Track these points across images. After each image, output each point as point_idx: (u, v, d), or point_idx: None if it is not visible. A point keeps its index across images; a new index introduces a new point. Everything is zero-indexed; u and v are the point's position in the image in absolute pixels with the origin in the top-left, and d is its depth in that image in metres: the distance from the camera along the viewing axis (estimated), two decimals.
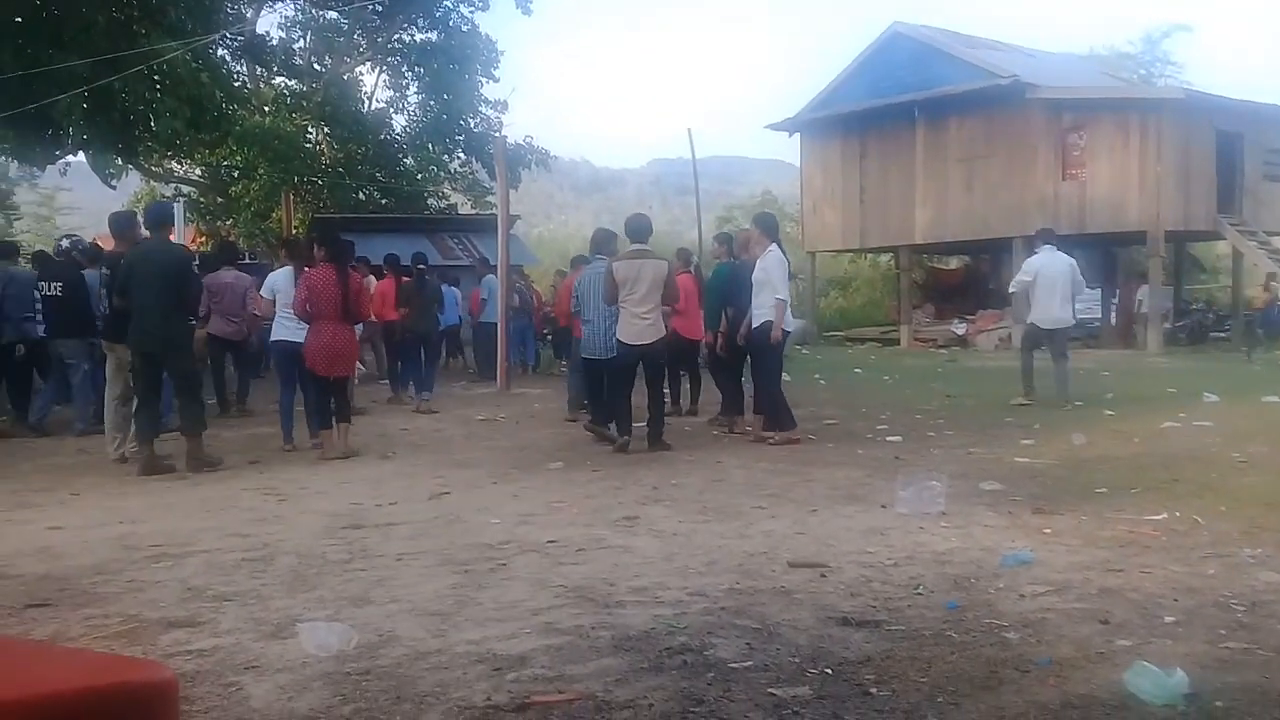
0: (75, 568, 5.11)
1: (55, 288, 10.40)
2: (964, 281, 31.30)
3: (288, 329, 9.20)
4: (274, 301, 9.46)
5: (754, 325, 9.10)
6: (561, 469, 7.93)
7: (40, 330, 10.53)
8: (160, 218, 8.88)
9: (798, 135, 29.44)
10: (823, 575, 4.64)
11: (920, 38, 26.52)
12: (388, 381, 13.77)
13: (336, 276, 8.53)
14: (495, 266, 15.87)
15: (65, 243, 11.59)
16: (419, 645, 3.75)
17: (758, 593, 4.37)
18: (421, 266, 13.13)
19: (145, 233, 8.53)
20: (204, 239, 25.49)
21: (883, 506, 6.10)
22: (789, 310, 9.23)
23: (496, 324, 15.10)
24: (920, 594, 4.32)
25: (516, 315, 15.93)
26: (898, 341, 26.62)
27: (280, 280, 9.46)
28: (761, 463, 7.98)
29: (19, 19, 12.31)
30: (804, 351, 21.71)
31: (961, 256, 32.63)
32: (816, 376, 15.75)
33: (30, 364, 10.98)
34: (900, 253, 28.50)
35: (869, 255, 34.30)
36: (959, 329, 26.12)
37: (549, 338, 18.93)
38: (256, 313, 10.98)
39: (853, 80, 27.57)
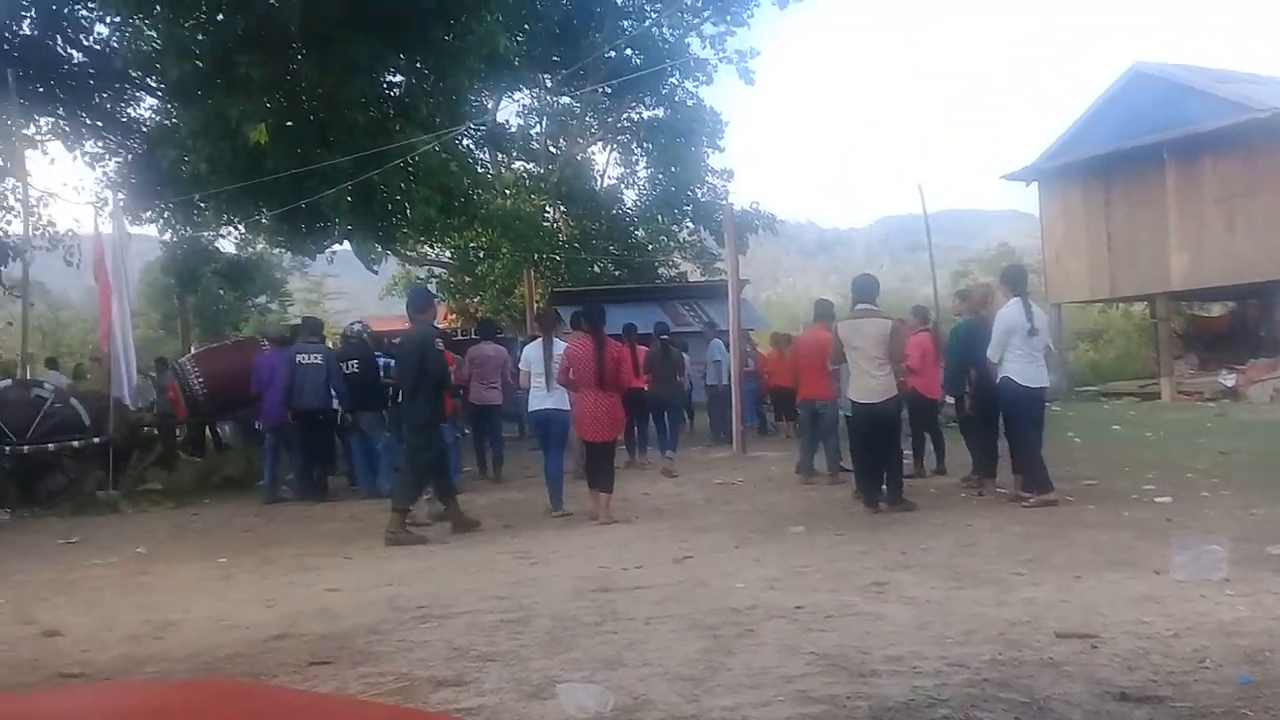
0: (351, 627, 5.46)
1: (352, 365, 11.33)
2: (1230, 329, 28.93)
3: (540, 398, 9.61)
4: (530, 373, 9.87)
5: (996, 381, 8.78)
6: (803, 533, 7.84)
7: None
8: (421, 303, 9.42)
9: (1035, 184, 28.33)
10: (1094, 646, 4.35)
11: (1165, 76, 25.05)
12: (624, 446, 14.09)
13: (594, 346, 8.90)
14: (722, 331, 16.02)
15: (356, 327, 12.67)
16: (674, 710, 3.77)
17: (1023, 664, 4.15)
18: (665, 336, 13.61)
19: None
20: (454, 316, 27.08)
21: (1156, 572, 5.68)
22: (1040, 366, 8.83)
23: (726, 387, 15.20)
24: (1207, 668, 3.98)
25: (747, 378, 15.99)
26: (1158, 395, 24.83)
27: (533, 352, 9.88)
28: (1015, 526, 7.61)
29: (290, 123, 13.57)
30: (1055, 408, 20.61)
31: (1225, 302, 30.23)
32: (1070, 434, 14.90)
33: (326, 435, 11.92)
34: (1156, 301, 26.71)
35: (1120, 305, 32.36)
36: (1228, 380, 24.10)
37: (768, 401, 18.81)
38: (513, 382, 11.57)
39: (1093, 124, 26.32)
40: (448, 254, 29.63)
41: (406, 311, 9.37)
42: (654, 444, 13.71)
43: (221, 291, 28.47)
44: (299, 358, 11.44)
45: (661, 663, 4.40)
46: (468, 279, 28.78)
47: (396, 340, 11.24)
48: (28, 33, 17.05)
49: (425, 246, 27.37)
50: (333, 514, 10.62)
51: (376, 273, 24.98)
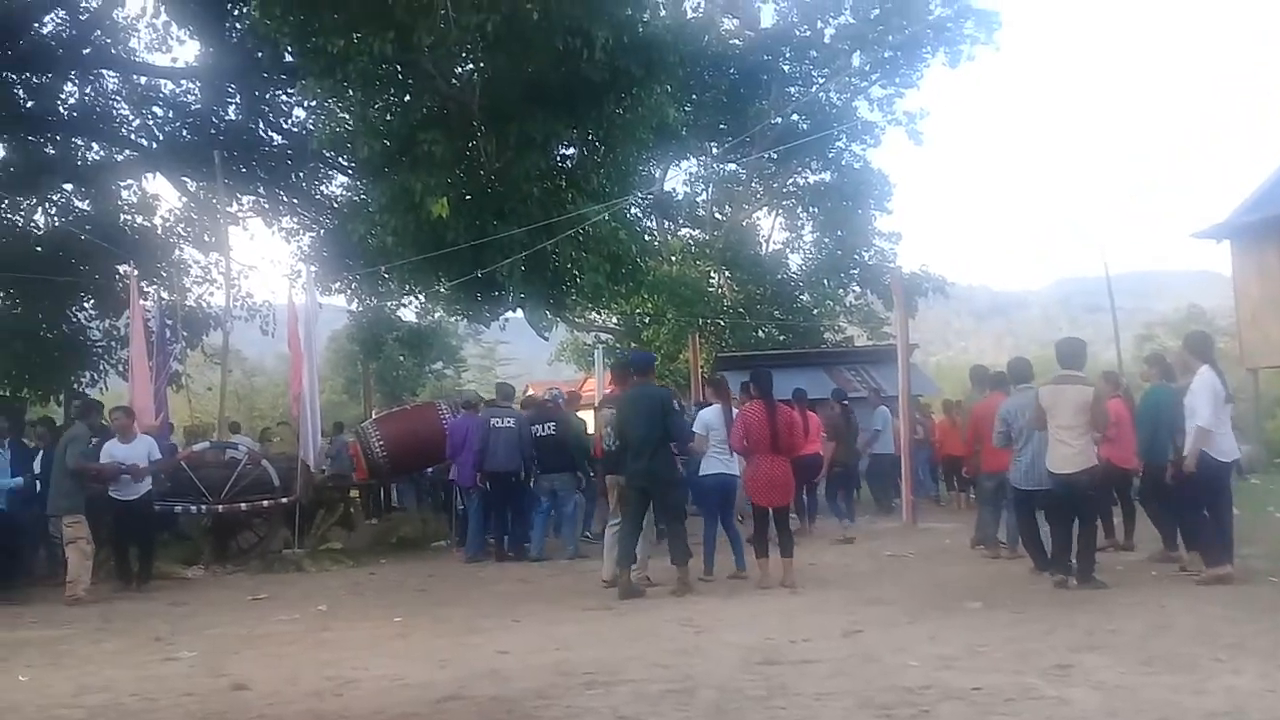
0: (520, 691, 5.52)
1: (548, 428, 11.60)
2: None
3: (720, 462, 9.63)
4: (708, 437, 9.86)
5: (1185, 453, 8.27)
6: (981, 609, 7.52)
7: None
8: (646, 364, 9.86)
9: (1227, 241, 26.79)
10: None
11: None
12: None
13: (766, 411, 8.94)
14: (889, 397, 15.67)
15: (552, 392, 13.15)
16: None
17: None
18: (845, 402, 13.50)
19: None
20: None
21: None
22: (1231, 436, 8.29)
23: (890, 455, 14.82)
24: None
25: (919, 447, 15.55)
26: None
27: (711, 417, 9.90)
28: (1213, 607, 7.10)
29: (469, 196, 14.15)
30: (1253, 480, 19.23)
31: None
32: (1271, 509, 13.86)
33: (517, 497, 12.22)
34: None
35: None
36: None
37: (939, 470, 18.18)
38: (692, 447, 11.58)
39: None
40: (614, 320, 30.14)
41: (628, 373, 9.68)
42: (823, 511, 13.52)
43: (401, 358, 29.68)
44: (492, 421, 11.81)
45: None
46: (633, 344, 29.18)
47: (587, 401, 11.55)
48: (233, 118, 18.46)
49: (593, 313, 27.94)
50: (502, 575, 10.81)
51: (547, 339, 25.61)
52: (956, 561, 10.34)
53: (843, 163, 27.78)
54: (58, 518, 10.43)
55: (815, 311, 28.61)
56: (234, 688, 6.01)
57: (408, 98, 14.05)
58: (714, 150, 26.34)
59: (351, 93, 13.62)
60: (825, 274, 28.48)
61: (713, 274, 28.40)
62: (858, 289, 29.23)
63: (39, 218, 18.54)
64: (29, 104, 17.32)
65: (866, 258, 28.61)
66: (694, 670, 5.76)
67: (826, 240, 28.74)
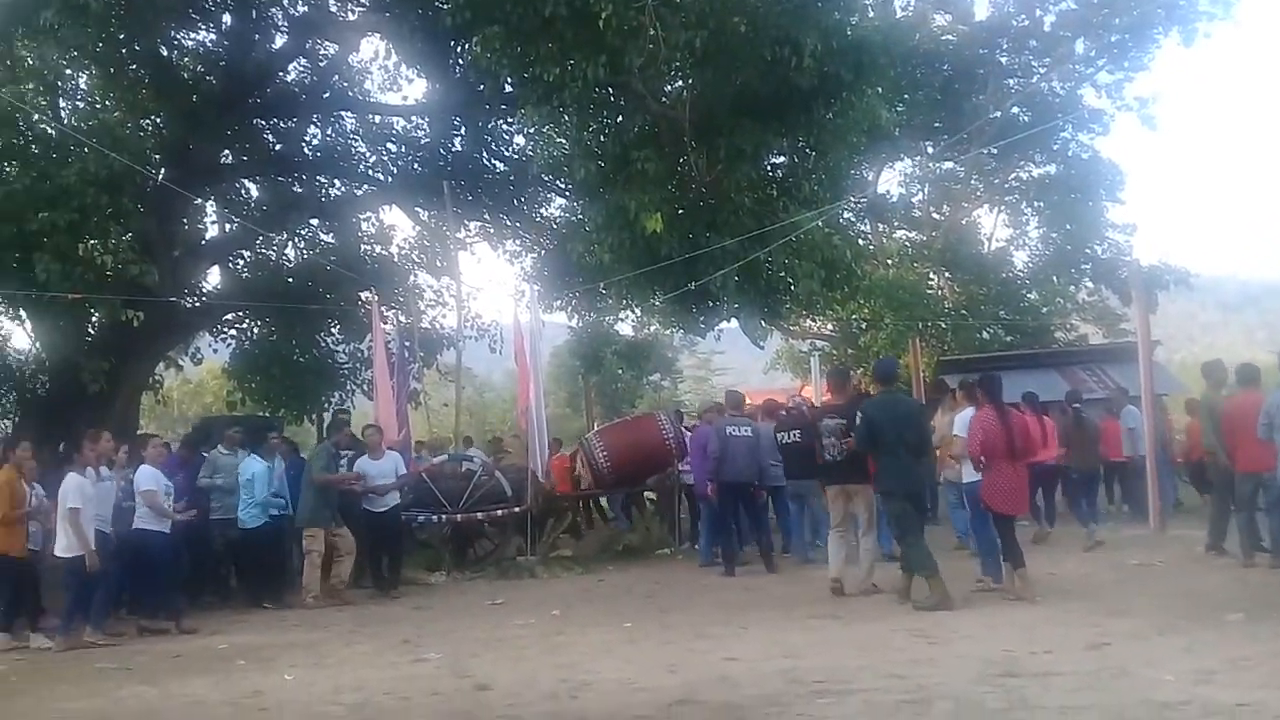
0: (751, 698, 5.55)
1: (793, 435, 11.69)
2: None
3: (971, 471, 9.44)
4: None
5: None
6: (1243, 620, 6.98)
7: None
8: (891, 372, 9.83)
9: None
10: None
11: None
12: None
13: (999, 417, 8.73)
14: (1133, 397, 14.75)
15: (797, 400, 13.25)
16: None
17: None
18: (1078, 404, 12.94)
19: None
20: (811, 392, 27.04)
21: None
22: None
23: (1141, 457, 13.93)
24: None
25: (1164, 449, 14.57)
26: None
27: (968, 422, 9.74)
28: None
29: (681, 210, 14.34)
30: None
31: None
32: None
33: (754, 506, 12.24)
34: None
35: None
36: None
37: (1184, 474, 16.90)
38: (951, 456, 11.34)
39: None
40: (830, 326, 29.75)
41: (878, 379, 9.65)
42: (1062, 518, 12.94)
43: (620, 371, 30.33)
44: (729, 430, 11.91)
45: None
46: (850, 351, 28.69)
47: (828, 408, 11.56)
48: (459, 149, 19.40)
49: (808, 320, 27.65)
50: (727, 583, 10.88)
51: (762, 348, 25.54)
52: (1211, 571, 9.65)
53: (1069, 154, 26.39)
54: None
55: (1044, 310, 27.30)
56: (477, 688, 6.33)
57: (620, 118, 14.37)
58: (929, 149, 25.59)
59: (567, 118, 14.07)
60: (1054, 270, 27.12)
61: (932, 275, 27.56)
62: (1090, 285, 27.69)
63: (289, 252, 20.02)
64: (277, 147, 18.78)
65: (1099, 251, 27.02)
66: (928, 681, 5.63)
67: (1054, 235, 27.35)
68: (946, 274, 27.67)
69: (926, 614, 8.02)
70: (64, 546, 9.27)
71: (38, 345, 16.55)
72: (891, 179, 27.38)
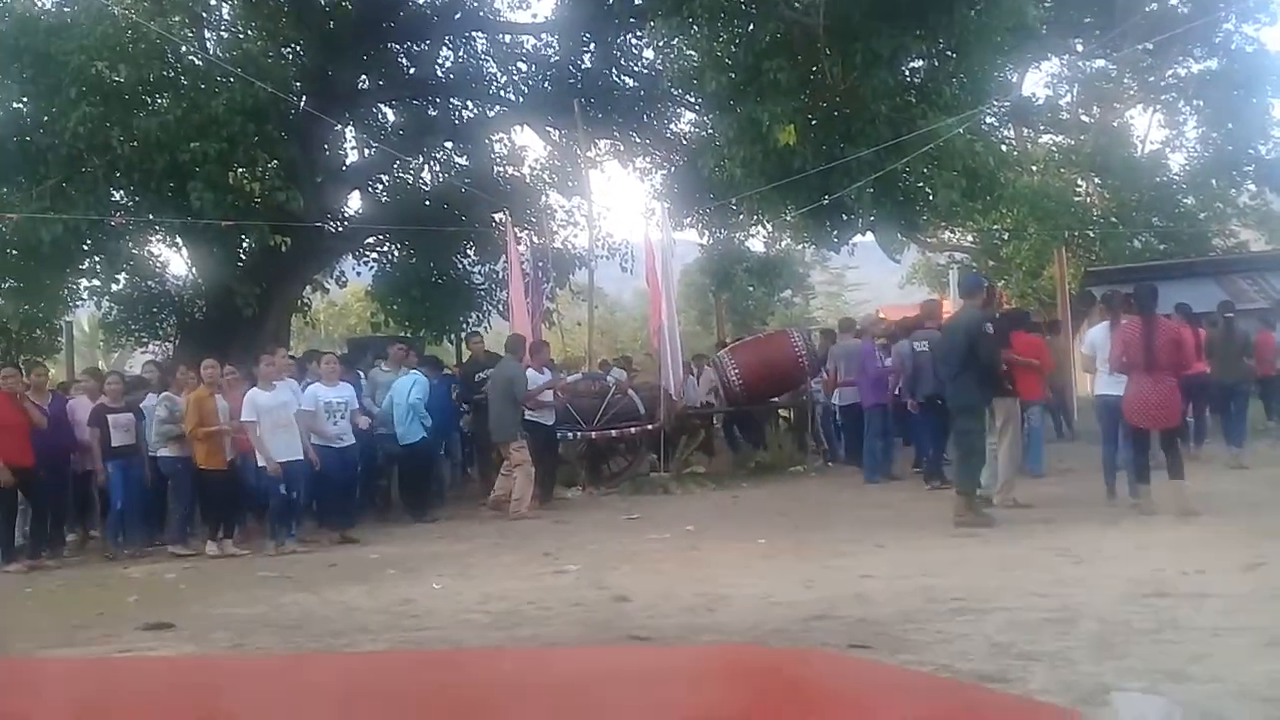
0: (888, 614, 5.53)
1: (923, 345, 11.47)
2: None
3: (1107, 383, 9.28)
4: (1094, 358, 9.53)
5: None
6: None
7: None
8: (971, 287, 9.58)
9: None
10: None
11: None
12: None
13: (1143, 328, 8.44)
14: None
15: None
16: None
17: None
18: (1230, 314, 12.25)
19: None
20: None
21: None
22: None
23: None
24: None
25: None
26: None
27: (1098, 336, 9.55)
28: None
29: (814, 121, 13.97)
30: None
31: None
32: None
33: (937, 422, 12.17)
34: None
35: None
36: None
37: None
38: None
39: None
40: (970, 238, 28.81)
41: (960, 293, 9.67)
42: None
43: (751, 288, 30.08)
44: (915, 345, 11.69)
45: (1236, 679, 3.94)
46: (991, 263, 27.75)
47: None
48: (588, 66, 19.33)
49: (947, 232, 26.83)
50: (862, 500, 10.82)
51: (898, 261, 24.95)
52: None
53: (1232, 47, 24.58)
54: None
55: (1202, 216, 25.79)
56: (616, 599, 6.48)
57: (751, 27, 14.01)
58: (1079, 47, 24.17)
59: (696, 28, 13.81)
60: (1213, 173, 25.50)
61: (1080, 182, 26.29)
62: (1253, 188, 25.98)
63: (426, 175, 20.39)
64: (411, 70, 19.05)
65: (1263, 152, 25.29)
66: (1073, 600, 5.51)
67: (1214, 136, 25.65)
68: (1096, 180, 26.33)
69: (1073, 531, 7.83)
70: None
71: (194, 271, 17.40)
72: (1037, 80, 26.14)
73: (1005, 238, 25.96)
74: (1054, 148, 27.66)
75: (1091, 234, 25.55)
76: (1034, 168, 26.15)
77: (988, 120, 16.75)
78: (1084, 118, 27.58)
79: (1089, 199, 26.70)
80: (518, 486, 11.25)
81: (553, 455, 12.60)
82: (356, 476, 11.17)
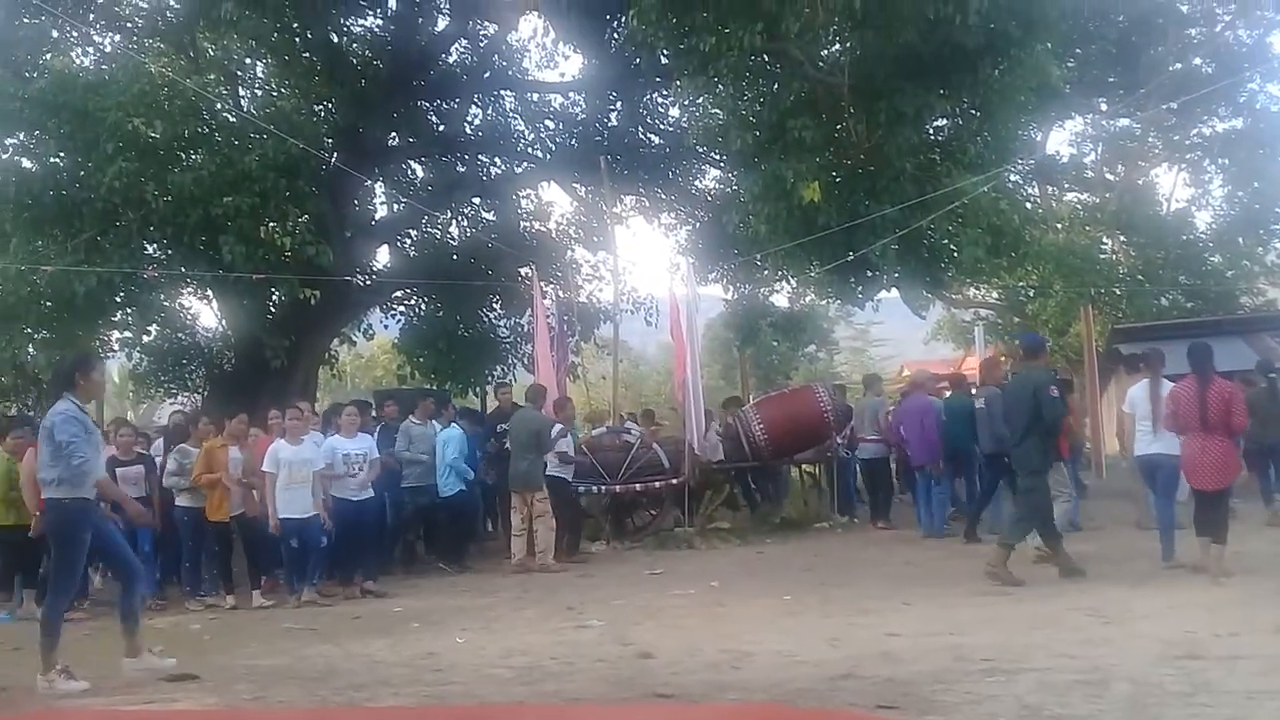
0: (915, 674, 5.46)
1: (980, 402, 11.70)
2: None
3: (1145, 442, 9.31)
4: (1134, 416, 9.55)
5: None
6: None
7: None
8: (1035, 347, 9.80)
9: None
10: None
11: None
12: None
13: (1198, 387, 8.45)
14: None
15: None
16: None
17: None
18: (1272, 374, 12.28)
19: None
20: (1004, 359, 26.16)
21: None
22: None
23: None
24: None
25: None
26: None
27: (1139, 393, 9.55)
28: None
29: (839, 178, 14.06)
30: None
31: None
32: None
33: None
34: None
35: None
36: None
37: None
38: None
39: None
40: (995, 295, 28.76)
41: (1023, 355, 9.75)
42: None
43: (775, 343, 30.06)
44: (978, 403, 11.76)
45: None
46: (1017, 320, 27.67)
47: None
48: (615, 124, 19.59)
49: (972, 289, 26.79)
50: (888, 557, 10.73)
51: (923, 318, 24.92)
52: None
53: (1257, 106, 24.64)
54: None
55: (1229, 274, 25.65)
56: (640, 655, 6.43)
57: (776, 86, 14.17)
58: (1103, 106, 24.27)
59: (722, 88, 13.97)
60: (1240, 232, 25.42)
61: (1105, 239, 26.26)
62: (1279, 246, 25.90)
63: (453, 230, 20.63)
64: (441, 127, 19.34)
65: None
66: (1104, 661, 5.43)
67: (1240, 194, 25.61)
68: (1121, 237, 26.31)
69: (1102, 591, 7.74)
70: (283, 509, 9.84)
71: (224, 323, 17.60)
72: (1062, 139, 26.23)
73: (1031, 295, 25.90)
74: (1079, 206, 27.68)
75: (1118, 291, 25.46)
76: (1059, 225, 26.16)
77: (1012, 178, 16.80)
78: (1109, 176, 27.61)
79: (1115, 256, 26.64)
80: (540, 538, 11.23)
81: (574, 510, 12.59)
82: (380, 529, 11.16)
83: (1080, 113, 23.93)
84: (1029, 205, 20.86)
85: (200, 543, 10.28)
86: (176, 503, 10.28)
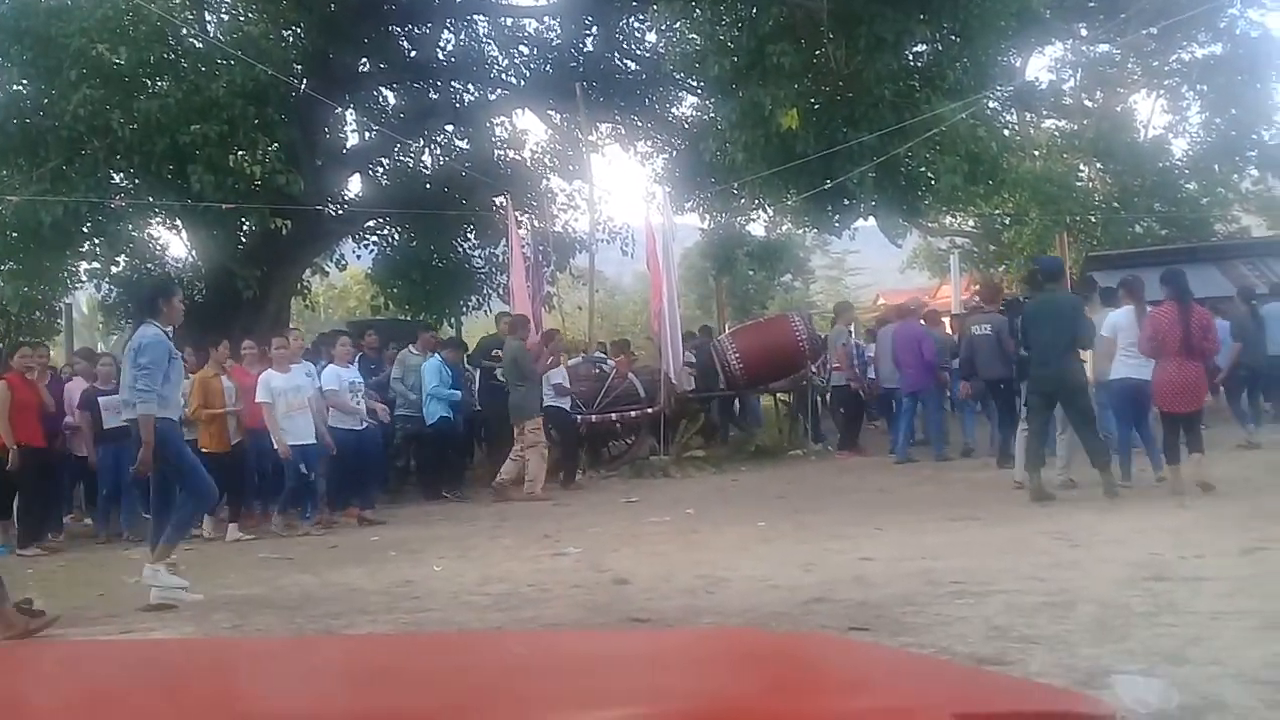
0: (887, 597, 5.54)
1: (984, 328, 11.50)
2: None
3: (1130, 366, 9.28)
4: (1115, 339, 9.51)
5: None
6: None
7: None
8: (1055, 271, 9.76)
9: None
10: None
11: None
12: None
13: (1179, 313, 8.54)
14: None
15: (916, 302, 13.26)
16: (1251, 715, 3.38)
17: None
18: (1254, 300, 12.42)
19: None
20: (977, 287, 26.26)
21: None
22: None
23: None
24: None
25: None
26: None
27: (1120, 319, 9.51)
28: None
29: (817, 105, 13.92)
30: None
31: None
32: None
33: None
34: None
35: None
36: None
37: None
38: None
39: None
40: (971, 223, 28.77)
41: (1043, 278, 9.61)
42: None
43: (751, 272, 30.03)
44: (974, 329, 11.68)
45: (1234, 662, 3.95)
46: (993, 247, 27.72)
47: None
48: (591, 49, 19.27)
49: (948, 217, 26.78)
50: (861, 484, 10.84)
51: (899, 246, 24.89)
52: None
53: (1236, 32, 24.48)
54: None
55: (1204, 201, 25.71)
56: (616, 581, 6.49)
57: (755, 11, 13.96)
58: (1083, 32, 24.08)
59: (700, 12, 13.78)
60: (1216, 159, 25.42)
61: (1082, 167, 26.22)
62: (1255, 173, 25.92)
63: (426, 158, 20.36)
64: (413, 53, 18.98)
65: (1266, 137, 25.22)
66: (1072, 584, 5.51)
67: (1217, 121, 25.56)
68: (1098, 165, 26.27)
69: (1069, 516, 7.85)
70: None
71: (194, 253, 17.38)
72: (1041, 65, 25.93)
73: (1007, 223, 25.92)
74: (1057, 133, 27.57)
75: (1093, 219, 25.51)
76: (1036, 153, 26.09)
77: (991, 105, 16.72)
78: (1087, 103, 27.48)
79: (1091, 184, 26.64)
80: (531, 467, 11.28)
81: (573, 440, 12.62)
82: (378, 458, 11.20)
83: (1060, 38, 23.73)
84: (1007, 132, 20.77)
85: None
86: None
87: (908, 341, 12.72)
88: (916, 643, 4.52)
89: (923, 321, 13.25)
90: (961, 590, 5.53)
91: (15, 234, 13.73)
